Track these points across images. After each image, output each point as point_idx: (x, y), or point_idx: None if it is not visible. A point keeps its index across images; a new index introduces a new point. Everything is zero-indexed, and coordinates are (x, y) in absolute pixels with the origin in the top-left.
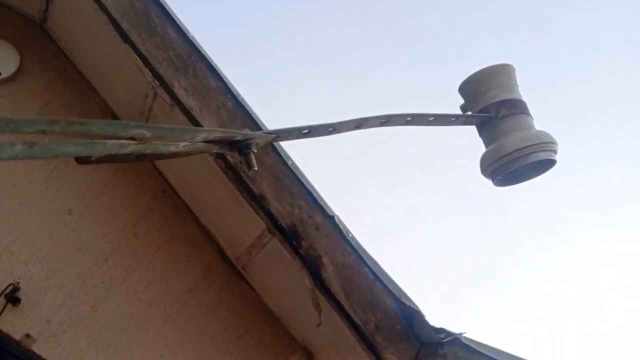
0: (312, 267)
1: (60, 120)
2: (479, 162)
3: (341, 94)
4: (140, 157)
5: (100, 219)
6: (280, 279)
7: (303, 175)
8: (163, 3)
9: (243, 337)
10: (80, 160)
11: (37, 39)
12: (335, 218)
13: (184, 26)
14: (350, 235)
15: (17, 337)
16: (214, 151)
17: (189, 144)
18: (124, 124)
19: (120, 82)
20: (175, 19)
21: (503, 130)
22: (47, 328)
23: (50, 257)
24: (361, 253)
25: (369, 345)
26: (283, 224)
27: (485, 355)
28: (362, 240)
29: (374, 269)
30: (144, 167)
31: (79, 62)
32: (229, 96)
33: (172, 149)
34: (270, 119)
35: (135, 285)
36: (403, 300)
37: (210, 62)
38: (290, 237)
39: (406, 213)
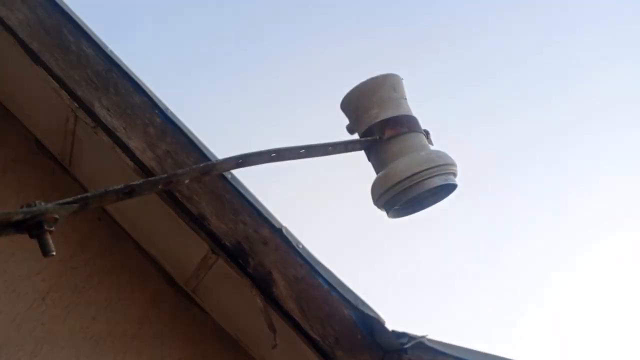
0: (263, 284)
1: None
2: (370, 192)
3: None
4: None
5: (33, 256)
6: (232, 300)
7: (245, 188)
8: (76, 18)
9: None
10: None
11: None
12: (284, 230)
13: (101, 41)
14: (300, 246)
15: None
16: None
17: None
18: None
19: (39, 107)
20: (91, 34)
21: (392, 154)
22: None
23: None
24: (313, 264)
25: None
26: (227, 243)
27: (451, 356)
28: (313, 251)
29: (328, 279)
30: None
31: None
32: (156, 111)
33: None
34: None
35: (79, 323)
36: (361, 308)
37: (133, 76)
38: (236, 255)
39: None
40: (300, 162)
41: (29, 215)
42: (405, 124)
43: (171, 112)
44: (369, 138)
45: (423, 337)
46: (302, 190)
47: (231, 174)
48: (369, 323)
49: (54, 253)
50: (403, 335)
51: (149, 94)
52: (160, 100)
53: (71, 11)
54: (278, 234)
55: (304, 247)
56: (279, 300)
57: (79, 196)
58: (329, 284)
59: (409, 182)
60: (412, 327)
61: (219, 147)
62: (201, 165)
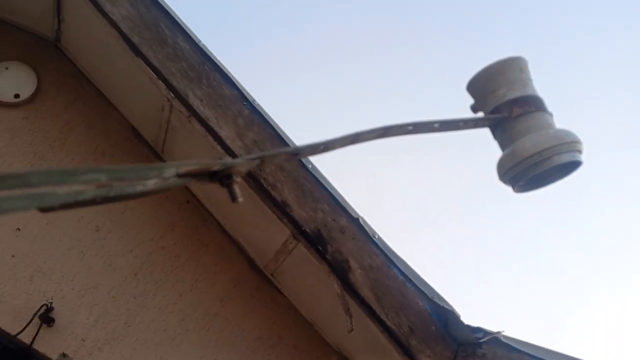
0: (340, 271)
1: None
2: (496, 168)
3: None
4: (106, 200)
5: (128, 234)
6: (309, 284)
7: (324, 178)
8: (172, 14)
9: (277, 345)
10: (43, 209)
11: (52, 59)
12: (360, 220)
13: (194, 35)
14: (376, 236)
15: (54, 357)
16: (193, 184)
17: (158, 180)
18: (71, 171)
19: (136, 96)
20: (186, 28)
21: (519, 132)
22: (82, 346)
23: (81, 275)
24: (389, 254)
25: (404, 348)
26: (307, 229)
27: (526, 353)
28: (389, 241)
29: (404, 270)
30: None
31: (95, 79)
32: (245, 103)
33: (140, 188)
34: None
35: (167, 299)
36: (436, 300)
37: (224, 70)
38: (316, 242)
39: (427, 212)
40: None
41: (224, 167)
42: (533, 103)
43: (258, 104)
44: (497, 115)
45: (498, 332)
46: (378, 180)
47: (311, 163)
48: (444, 315)
49: (241, 199)
50: (478, 329)
51: (238, 86)
52: (248, 93)
53: (168, 7)
54: (355, 223)
55: (379, 238)
56: (355, 287)
57: (259, 154)
58: (404, 275)
59: (537, 157)
60: (486, 321)
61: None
62: (349, 135)
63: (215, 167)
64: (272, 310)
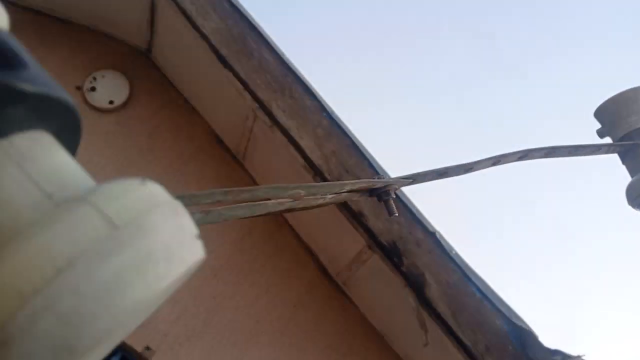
0: (416, 285)
1: (233, 190)
2: (626, 192)
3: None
4: (294, 209)
5: (210, 235)
6: (381, 295)
7: (401, 191)
8: (258, 28)
9: (347, 355)
10: (257, 216)
11: (144, 68)
12: (437, 234)
13: (278, 49)
14: (453, 252)
15: (139, 349)
16: (354, 199)
17: (334, 195)
18: (284, 187)
19: (221, 106)
20: (270, 42)
21: None
22: (164, 341)
23: None
24: (466, 271)
25: None
26: (383, 241)
27: None
28: (466, 258)
29: (481, 288)
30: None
31: (182, 88)
32: (324, 114)
33: (320, 201)
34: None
35: (243, 301)
36: (514, 320)
37: (306, 82)
38: (391, 254)
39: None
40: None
41: (384, 184)
42: None
43: (336, 116)
44: (629, 142)
45: (579, 357)
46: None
47: (387, 175)
48: (521, 336)
49: (397, 214)
50: (557, 352)
51: (319, 98)
52: (327, 104)
53: (254, 20)
54: (431, 237)
55: (456, 253)
56: (431, 302)
57: (412, 174)
58: (482, 293)
59: None
60: (569, 345)
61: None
62: (491, 157)
63: (377, 185)
64: (343, 318)
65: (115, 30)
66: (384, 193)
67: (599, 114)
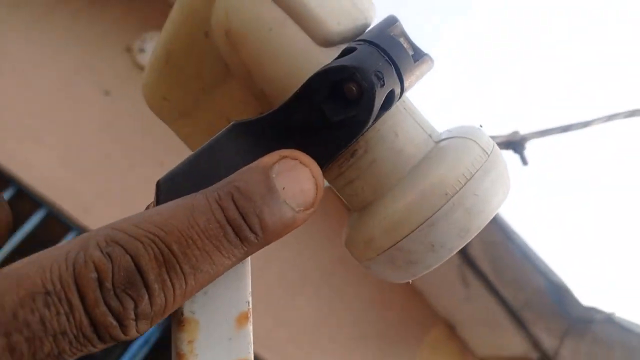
0: None
1: None
2: None
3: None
4: None
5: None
6: None
7: None
8: None
9: (387, 309)
10: None
11: None
12: None
13: None
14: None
15: None
16: None
17: None
18: None
19: None
20: None
21: None
22: None
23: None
24: (509, 231)
25: (518, 320)
26: None
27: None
28: (509, 219)
29: (522, 247)
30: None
31: None
32: None
33: None
34: None
35: (291, 254)
36: (551, 277)
37: None
38: None
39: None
40: None
41: (519, 138)
42: None
43: None
44: None
45: (612, 313)
46: None
47: None
48: (559, 293)
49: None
50: (592, 309)
51: None
52: None
53: None
54: None
55: (499, 214)
56: (475, 260)
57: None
58: (523, 252)
59: None
60: (604, 302)
61: None
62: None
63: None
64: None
65: None
66: (519, 145)
67: None
